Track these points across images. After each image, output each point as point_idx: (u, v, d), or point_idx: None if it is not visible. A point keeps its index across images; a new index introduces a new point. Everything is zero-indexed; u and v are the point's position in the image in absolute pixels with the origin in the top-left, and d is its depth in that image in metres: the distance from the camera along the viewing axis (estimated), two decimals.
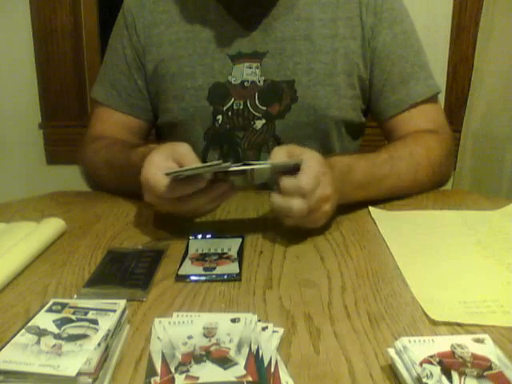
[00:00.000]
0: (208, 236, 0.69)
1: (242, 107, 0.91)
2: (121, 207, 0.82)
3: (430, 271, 0.59)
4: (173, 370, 0.40)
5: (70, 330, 0.42)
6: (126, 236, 0.71)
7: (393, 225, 0.72)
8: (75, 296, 0.54)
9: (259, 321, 0.46)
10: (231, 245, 0.66)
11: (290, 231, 0.68)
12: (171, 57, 0.93)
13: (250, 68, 0.91)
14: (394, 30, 0.92)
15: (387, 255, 0.63)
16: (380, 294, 0.54)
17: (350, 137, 0.98)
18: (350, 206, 0.77)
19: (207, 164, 0.64)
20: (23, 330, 0.42)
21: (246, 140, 0.93)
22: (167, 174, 0.63)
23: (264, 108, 0.91)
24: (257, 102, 0.91)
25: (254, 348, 0.42)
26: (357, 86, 0.93)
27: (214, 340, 0.43)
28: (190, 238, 0.68)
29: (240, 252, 0.64)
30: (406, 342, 0.41)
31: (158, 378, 0.40)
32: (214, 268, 0.60)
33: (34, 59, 1.73)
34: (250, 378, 0.39)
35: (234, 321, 0.46)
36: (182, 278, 0.58)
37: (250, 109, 0.91)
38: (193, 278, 0.58)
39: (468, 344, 0.41)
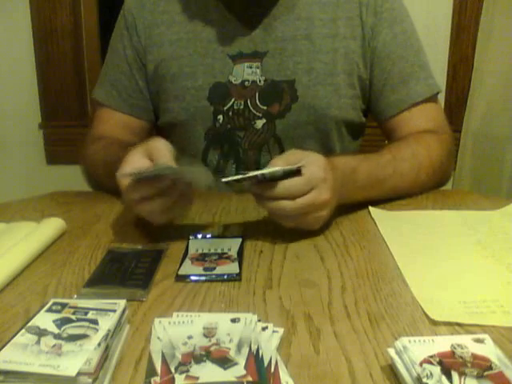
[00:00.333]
0: (208, 236, 0.69)
1: (242, 107, 0.91)
2: (121, 207, 0.81)
3: (430, 271, 0.59)
4: (173, 370, 0.40)
5: (70, 329, 0.42)
6: (126, 236, 0.71)
7: (393, 225, 0.72)
8: (75, 296, 0.54)
9: (259, 321, 0.46)
10: (231, 245, 0.66)
11: (289, 231, 0.68)
12: (172, 57, 0.93)
13: (251, 68, 0.91)
14: (394, 29, 0.92)
15: (387, 255, 0.63)
16: (380, 294, 0.54)
17: (351, 137, 0.98)
18: (350, 205, 0.77)
19: (166, 166, 0.63)
20: (23, 330, 0.42)
21: (246, 140, 0.93)
22: (130, 175, 0.63)
23: (264, 108, 0.91)
24: (257, 101, 0.91)
25: (254, 348, 0.42)
26: (357, 86, 0.93)
27: (213, 340, 0.43)
28: (190, 238, 0.68)
29: (240, 252, 0.64)
30: (406, 342, 0.41)
31: (157, 378, 0.40)
32: (214, 268, 0.60)
33: (34, 59, 1.74)
34: (249, 378, 0.39)
35: (233, 321, 0.46)
36: (182, 278, 0.58)
37: (251, 108, 0.91)
38: (193, 278, 0.58)
39: (468, 344, 0.41)
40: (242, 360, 0.41)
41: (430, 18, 1.61)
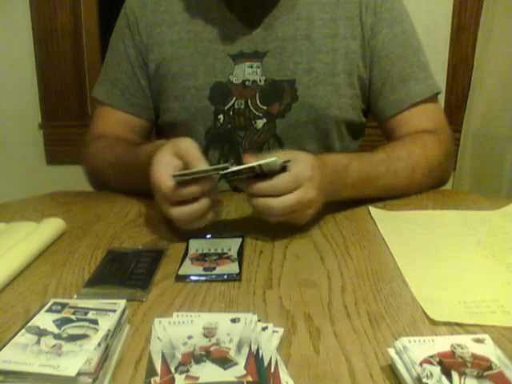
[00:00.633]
0: (208, 236, 0.69)
1: (243, 107, 0.91)
2: (121, 207, 0.82)
3: (430, 271, 0.59)
4: (173, 370, 0.40)
5: (70, 330, 0.42)
6: (126, 236, 0.71)
7: (393, 225, 0.72)
8: (75, 296, 0.54)
9: (259, 321, 0.46)
10: (231, 245, 0.66)
11: (290, 231, 0.68)
12: (172, 56, 0.93)
13: (251, 67, 0.91)
14: (394, 29, 0.92)
15: (387, 255, 0.63)
16: (380, 294, 0.54)
17: (351, 136, 0.98)
18: (350, 205, 0.78)
19: (212, 167, 0.64)
20: (23, 330, 0.42)
21: (246, 139, 0.93)
22: (174, 177, 0.63)
23: (265, 107, 0.91)
24: (258, 101, 0.91)
25: (254, 348, 0.42)
26: (357, 86, 0.93)
27: (214, 340, 0.43)
28: (190, 238, 0.68)
29: (240, 252, 0.64)
30: (406, 342, 0.41)
31: (157, 378, 0.40)
32: (214, 268, 0.60)
33: (34, 59, 1.74)
34: (249, 378, 0.39)
35: (233, 321, 0.46)
36: (182, 278, 0.58)
37: (251, 108, 0.91)
38: (193, 277, 0.58)
39: (468, 344, 0.41)
40: (241, 360, 0.41)
41: (429, 18, 1.61)
